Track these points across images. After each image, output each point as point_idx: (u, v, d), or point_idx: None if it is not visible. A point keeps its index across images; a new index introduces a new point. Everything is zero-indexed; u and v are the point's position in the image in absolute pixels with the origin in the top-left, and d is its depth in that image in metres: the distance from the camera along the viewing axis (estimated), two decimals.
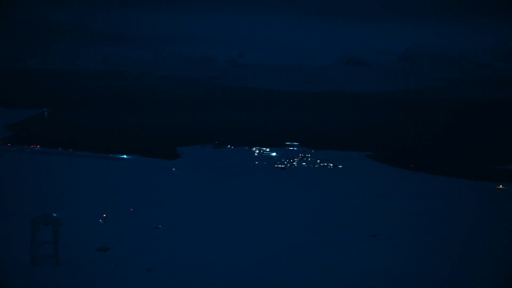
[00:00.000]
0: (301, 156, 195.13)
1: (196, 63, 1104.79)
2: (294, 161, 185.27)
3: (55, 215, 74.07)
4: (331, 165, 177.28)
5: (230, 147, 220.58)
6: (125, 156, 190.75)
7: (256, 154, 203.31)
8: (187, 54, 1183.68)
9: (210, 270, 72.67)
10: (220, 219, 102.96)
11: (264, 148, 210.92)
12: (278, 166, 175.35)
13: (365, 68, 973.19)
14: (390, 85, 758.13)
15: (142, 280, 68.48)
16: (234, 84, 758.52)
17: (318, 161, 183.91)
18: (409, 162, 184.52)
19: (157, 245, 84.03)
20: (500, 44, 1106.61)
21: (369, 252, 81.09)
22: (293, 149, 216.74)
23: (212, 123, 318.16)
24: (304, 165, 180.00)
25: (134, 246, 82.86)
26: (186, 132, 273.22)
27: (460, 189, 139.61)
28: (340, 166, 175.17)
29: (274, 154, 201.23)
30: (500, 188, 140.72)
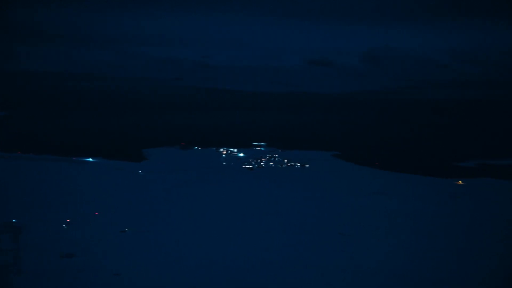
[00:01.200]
0: (268, 156, 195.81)
1: (161, 64, 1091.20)
2: (261, 161, 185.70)
3: (14, 221, 71.35)
4: (298, 164, 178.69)
5: (198, 148, 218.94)
6: (90, 159, 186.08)
7: (223, 155, 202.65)
8: (152, 55, 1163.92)
9: (179, 274, 71.79)
10: (187, 221, 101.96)
11: (232, 149, 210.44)
12: (245, 167, 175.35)
13: (330, 68, 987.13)
14: (354, 85, 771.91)
15: (110, 285, 66.96)
16: (200, 85, 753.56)
17: (286, 161, 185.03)
18: (374, 160, 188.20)
19: (124, 249, 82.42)
20: (461, 46, 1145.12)
21: (342, 251, 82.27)
22: (261, 149, 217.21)
23: (179, 125, 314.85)
24: (272, 165, 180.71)
25: (100, 251, 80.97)
26: (153, 134, 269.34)
27: (422, 186, 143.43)
28: (307, 166, 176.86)
29: (241, 154, 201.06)
30: (460, 184, 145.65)
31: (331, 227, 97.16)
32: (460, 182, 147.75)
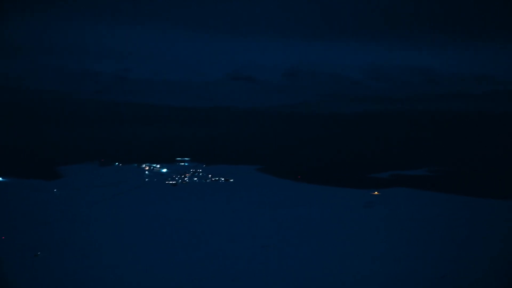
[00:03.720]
0: (192, 171, 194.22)
1: (78, 76, 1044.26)
2: (185, 176, 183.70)
3: None
4: (223, 179, 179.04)
5: (118, 164, 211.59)
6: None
7: (146, 171, 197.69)
8: (68, 67, 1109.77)
9: None
10: (105, 242, 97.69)
11: (154, 165, 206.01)
12: (169, 182, 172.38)
13: (252, 83, 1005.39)
14: (275, 99, 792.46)
15: None
16: (120, 99, 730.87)
17: (210, 175, 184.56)
18: (296, 174, 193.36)
19: (37, 274, 77.21)
20: (370, 63, 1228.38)
21: (265, 263, 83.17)
22: (184, 164, 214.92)
23: (98, 140, 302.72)
24: (196, 180, 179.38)
25: (8, 278, 75.09)
26: (70, 150, 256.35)
27: (340, 197, 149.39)
28: (232, 180, 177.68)
29: (164, 170, 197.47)
30: (375, 194, 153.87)
31: (254, 240, 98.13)
32: (376, 192, 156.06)
